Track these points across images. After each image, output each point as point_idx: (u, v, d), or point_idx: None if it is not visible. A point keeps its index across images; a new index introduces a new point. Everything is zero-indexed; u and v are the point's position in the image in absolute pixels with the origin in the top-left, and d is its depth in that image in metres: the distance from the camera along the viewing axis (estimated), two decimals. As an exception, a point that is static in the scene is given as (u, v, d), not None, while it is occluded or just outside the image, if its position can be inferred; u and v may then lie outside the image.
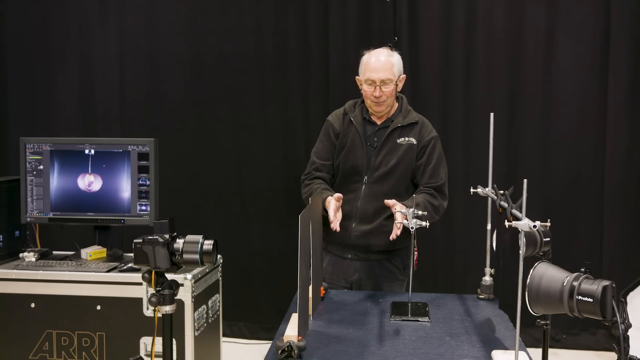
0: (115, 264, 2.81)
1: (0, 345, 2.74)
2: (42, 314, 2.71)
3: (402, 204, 2.44)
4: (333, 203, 2.45)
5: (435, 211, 2.60)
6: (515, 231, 1.62)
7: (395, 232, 2.38)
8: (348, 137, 2.67)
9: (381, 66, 2.58)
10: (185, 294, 2.64)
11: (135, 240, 1.76)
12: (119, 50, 4.20)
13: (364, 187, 2.63)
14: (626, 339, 1.33)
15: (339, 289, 2.64)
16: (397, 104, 2.72)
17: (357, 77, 2.70)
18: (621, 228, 3.92)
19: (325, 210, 2.49)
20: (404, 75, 2.69)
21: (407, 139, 2.64)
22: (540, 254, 1.79)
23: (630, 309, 1.40)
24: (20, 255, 2.88)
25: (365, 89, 2.62)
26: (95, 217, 2.94)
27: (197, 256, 1.75)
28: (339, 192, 2.58)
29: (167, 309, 1.80)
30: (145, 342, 2.67)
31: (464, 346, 1.86)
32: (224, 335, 3.33)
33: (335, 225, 2.43)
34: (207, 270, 2.87)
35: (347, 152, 2.66)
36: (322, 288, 2.39)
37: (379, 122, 2.68)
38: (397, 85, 2.63)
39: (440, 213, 2.65)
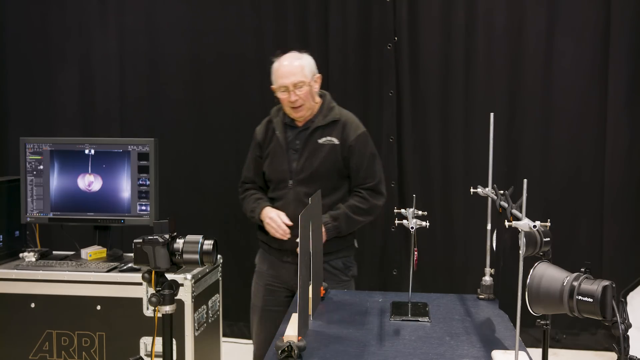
0: (115, 264, 2.81)
1: (0, 345, 2.74)
2: (42, 314, 2.71)
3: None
4: (275, 212, 2.57)
5: (366, 214, 2.62)
6: (515, 231, 1.61)
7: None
8: (271, 145, 2.68)
9: (290, 70, 2.58)
10: (185, 294, 2.64)
11: (135, 240, 1.76)
12: (119, 50, 4.19)
13: (290, 191, 2.63)
14: (626, 339, 1.33)
15: (281, 290, 2.69)
16: (321, 102, 2.69)
17: (272, 86, 2.67)
18: (621, 228, 3.91)
19: (262, 221, 2.61)
20: (319, 74, 2.67)
21: (328, 138, 2.61)
22: (540, 254, 1.79)
23: (630, 309, 1.40)
24: (20, 255, 2.88)
25: (280, 96, 2.60)
26: (95, 217, 2.94)
27: (197, 256, 1.75)
28: (270, 199, 2.66)
29: (167, 309, 1.80)
30: (145, 342, 2.67)
31: (464, 346, 1.86)
32: (224, 335, 3.33)
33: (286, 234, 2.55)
34: (207, 270, 2.87)
35: (270, 159, 2.68)
36: (322, 288, 2.39)
37: (300, 125, 2.67)
38: (311, 86, 2.60)
39: (374, 212, 2.67)
